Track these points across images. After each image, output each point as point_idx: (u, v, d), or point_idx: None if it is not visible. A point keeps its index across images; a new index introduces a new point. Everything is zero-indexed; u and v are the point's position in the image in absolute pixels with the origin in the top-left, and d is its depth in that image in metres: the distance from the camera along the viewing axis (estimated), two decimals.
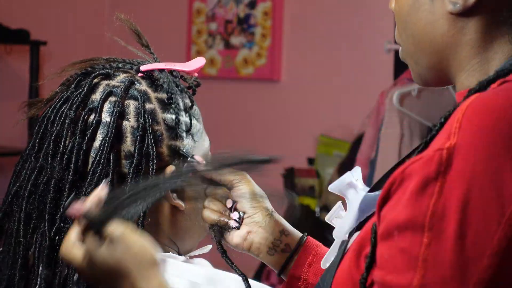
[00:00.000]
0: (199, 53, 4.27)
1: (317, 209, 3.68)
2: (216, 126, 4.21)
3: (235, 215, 1.32)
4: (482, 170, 0.90)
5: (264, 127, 4.20)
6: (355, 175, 1.19)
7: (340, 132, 3.89)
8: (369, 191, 1.14)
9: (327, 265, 1.14)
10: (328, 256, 1.18)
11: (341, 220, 1.17)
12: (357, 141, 3.46)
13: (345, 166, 3.51)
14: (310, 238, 1.36)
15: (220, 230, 1.33)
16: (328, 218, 1.24)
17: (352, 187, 1.17)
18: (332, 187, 1.20)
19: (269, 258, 1.33)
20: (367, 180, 3.33)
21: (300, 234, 1.35)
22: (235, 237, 1.32)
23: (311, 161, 3.93)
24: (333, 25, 3.99)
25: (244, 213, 1.32)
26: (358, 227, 1.11)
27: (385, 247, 0.95)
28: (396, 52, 3.57)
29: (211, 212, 1.32)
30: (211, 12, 4.32)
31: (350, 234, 1.13)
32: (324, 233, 3.60)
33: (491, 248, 0.89)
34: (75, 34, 4.54)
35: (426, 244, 0.90)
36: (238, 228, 1.32)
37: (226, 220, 1.32)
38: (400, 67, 3.57)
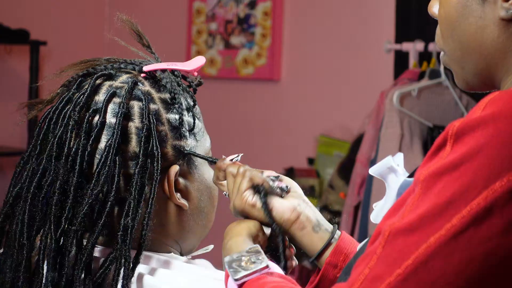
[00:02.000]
0: (199, 53, 4.27)
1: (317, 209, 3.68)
2: (216, 126, 4.21)
3: (282, 183, 1.31)
4: (484, 142, 0.95)
5: (264, 127, 4.20)
6: (397, 160, 1.21)
7: (340, 132, 3.89)
8: (409, 177, 1.16)
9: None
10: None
11: (380, 204, 1.20)
12: (357, 141, 3.46)
13: (345, 166, 3.51)
14: (344, 233, 1.36)
15: (263, 193, 1.29)
16: (376, 205, 1.24)
17: (393, 171, 1.20)
18: (372, 170, 1.22)
19: (312, 236, 1.30)
20: (367, 180, 3.33)
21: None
22: (283, 206, 1.29)
23: (311, 161, 3.93)
24: (333, 25, 3.99)
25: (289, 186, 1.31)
26: None
27: None
28: (396, 52, 3.57)
29: (258, 172, 1.30)
30: (211, 12, 4.32)
31: None
32: None
33: (462, 211, 0.94)
34: (75, 34, 4.54)
35: (416, 196, 0.97)
36: (282, 193, 1.30)
37: (272, 183, 1.29)
38: (400, 67, 3.57)
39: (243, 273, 1.14)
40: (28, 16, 4.38)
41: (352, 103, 3.90)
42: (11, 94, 4.34)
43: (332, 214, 3.63)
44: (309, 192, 3.76)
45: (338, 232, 1.32)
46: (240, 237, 1.23)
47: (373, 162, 3.29)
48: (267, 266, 1.15)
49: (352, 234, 3.41)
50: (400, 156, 1.23)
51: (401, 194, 1.12)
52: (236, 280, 1.13)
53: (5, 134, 4.22)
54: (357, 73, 3.91)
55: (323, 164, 3.83)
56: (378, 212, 1.19)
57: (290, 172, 3.79)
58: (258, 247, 1.18)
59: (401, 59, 3.58)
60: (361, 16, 3.90)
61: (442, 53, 1.14)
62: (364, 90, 3.85)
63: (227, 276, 1.16)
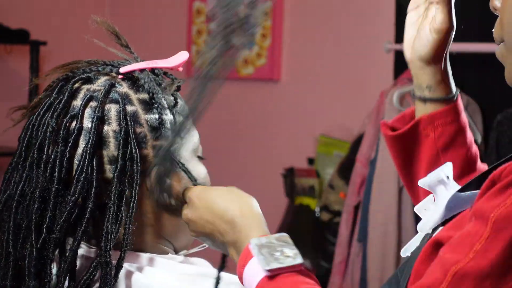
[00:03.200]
0: (199, 53, 4.27)
1: (317, 209, 3.68)
2: (216, 126, 4.21)
3: None
4: None
5: (264, 127, 4.20)
6: (446, 171, 1.19)
7: (340, 132, 3.89)
8: (460, 190, 1.15)
9: (407, 254, 1.16)
10: (409, 247, 1.19)
11: (428, 214, 1.19)
12: (357, 141, 3.46)
13: (345, 166, 3.51)
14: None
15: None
16: (417, 208, 1.23)
17: (442, 184, 1.18)
18: (421, 182, 1.20)
19: (432, 68, 1.33)
20: (367, 180, 3.32)
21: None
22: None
23: (311, 161, 3.93)
24: (333, 25, 3.99)
25: None
26: (443, 223, 1.14)
27: (461, 230, 1.00)
28: (396, 52, 3.57)
29: None
30: (211, 12, 4.32)
31: (434, 229, 1.15)
32: (324, 233, 3.60)
33: None
34: (75, 34, 4.53)
35: (485, 236, 0.95)
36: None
37: None
38: (400, 67, 3.57)
39: (277, 265, 1.10)
40: (28, 16, 4.38)
41: (352, 103, 3.90)
42: (11, 94, 4.33)
43: (332, 214, 3.62)
44: (309, 192, 3.76)
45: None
46: (257, 219, 1.18)
47: (373, 162, 3.29)
48: (301, 264, 1.12)
49: (352, 234, 3.41)
50: (448, 166, 1.20)
51: (451, 208, 1.12)
52: (268, 270, 1.10)
53: (5, 134, 4.22)
54: (357, 73, 3.91)
55: (323, 164, 3.83)
56: (425, 223, 1.17)
57: (290, 172, 3.79)
58: (287, 237, 1.14)
59: (401, 59, 3.56)
60: (361, 16, 3.90)
61: (501, 45, 1.10)
62: (364, 90, 3.85)
63: (246, 256, 1.12)
